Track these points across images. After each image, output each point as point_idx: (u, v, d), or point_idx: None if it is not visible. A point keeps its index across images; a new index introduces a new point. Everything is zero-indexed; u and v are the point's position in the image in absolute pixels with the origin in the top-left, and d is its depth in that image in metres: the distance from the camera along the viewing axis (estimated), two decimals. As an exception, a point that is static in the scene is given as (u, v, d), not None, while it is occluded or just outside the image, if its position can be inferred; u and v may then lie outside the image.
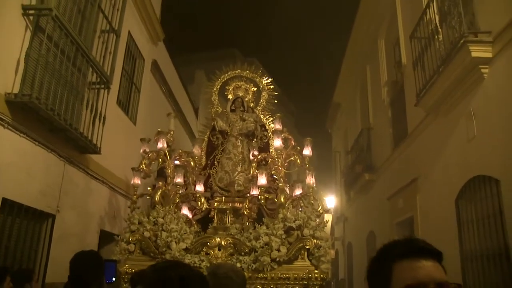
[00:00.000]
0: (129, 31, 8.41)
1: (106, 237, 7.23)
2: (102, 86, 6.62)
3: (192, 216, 6.59)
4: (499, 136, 5.15)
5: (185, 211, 6.43)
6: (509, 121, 4.96)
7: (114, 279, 4.70)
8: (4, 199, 4.57)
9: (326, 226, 6.39)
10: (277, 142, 6.44)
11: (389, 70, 10.57)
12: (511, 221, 4.81)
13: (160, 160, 6.52)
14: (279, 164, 6.41)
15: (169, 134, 6.83)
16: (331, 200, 19.08)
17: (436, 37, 6.57)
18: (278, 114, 6.98)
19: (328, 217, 20.09)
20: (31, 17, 4.96)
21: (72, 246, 5.70)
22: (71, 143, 5.91)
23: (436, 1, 6.54)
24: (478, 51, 5.32)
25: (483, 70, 5.44)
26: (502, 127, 5.11)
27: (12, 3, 4.70)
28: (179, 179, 6.26)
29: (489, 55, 5.30)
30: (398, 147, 9.32)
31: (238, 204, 6.48)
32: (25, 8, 4.88)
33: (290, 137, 6.78)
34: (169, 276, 1.33)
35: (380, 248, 1.31)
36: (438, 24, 6.45)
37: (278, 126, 6.76)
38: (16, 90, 4.69)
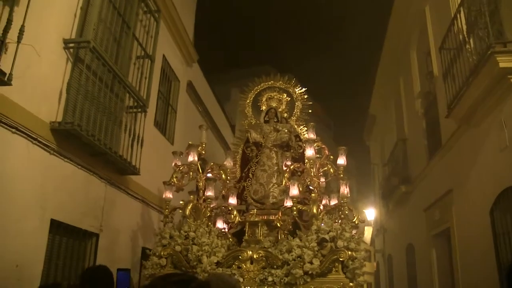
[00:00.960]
0: (163, 55, 8.76)
1: (148, 255, 7.48)
2: (139, 110, 6.94)
3: (228, 230, 6.59)
4: (530, 146, 5.13)
5: (219, 224, 6.43)
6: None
7: None
8: (52, 220, 4.89)
9: (361, 237, 6.27)
10: (309, 152, 6.28)
11: (422, 81, 10.57)
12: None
13: (191, 173, 6.49)
14: (312, 174, 6.28)
15: (200, 147, 6.77)
16: (370, 213, 18.98)
17: (465, 47, 6.60)
18: (312, 123, 6.78)
19: (368, 229, 20.04)
20: (71, 50, 5.31)
21: (115, 263, 5.96)
22: (111, 166, 6.21)
23: (463, 12, 6.57)
24: (506, 61, 5.33)
25: (512, 80, 5.44)
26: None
27: (54, 37, 5.05)
28: (210, 192, 6.30)
29: (518, 64, 5.30)
30: (432, 158, 9.28)
31: (272, 216, 6.40)
32: (65, 42, 5.24)
33: (323, 146, 6.67)
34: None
35: None
36: (465, 35, 6.47)
37: (311, 135, 6.56)
38: (59, 118, 5.02)
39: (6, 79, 3.80)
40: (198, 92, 11.10)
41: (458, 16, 6.75)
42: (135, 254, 7.24)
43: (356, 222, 5.97)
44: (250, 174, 7.15)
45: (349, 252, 5.33)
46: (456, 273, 7.84)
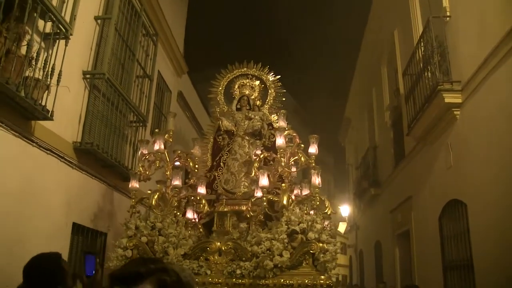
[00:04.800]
0: (158, 70, 9.70)
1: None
2: (140, 124, 7.90)
3: (199, 220, 6.38)
4: (467, 168, 6.29)
5: (189, 215, 6.22)
6: (475, 155, 6.08)
7: (94, 272, 4.60)
8: (73, 223, 5.88)
9: (333, 229, 6.08)
10: (279, 140, 5.90)
11: (391, 95, 11.68)
12: (475, 238, 5.94)
13: (158, 162, 6.25)
14: (282, 163, 6.04)
15: (167, 135, 6.52)
16: (345, 209, 20.24)
17: (423, 75, 7.71)
18: (283, 111, 6.39)
19: (343, 225, 21.28)
20: (88, 80, 6.26)
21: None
22: (118, 174, 7.17)
23: (420, 48, 7.67)
24: (450, 98, 6.47)
25: (455, 112, 6.59)
26: (470, 160, 6.24)
27: (76, 70, 5.99)
28: (177, 182, 5.96)
29: (459, 100, 6.44)
30: (398, 166, 10.45)
31: (242, 207, 6.14)
32: (84, 73, 6.19)
33: (294, 134, 6.36)
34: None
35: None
36: (421, 67, 7.58)
37: (282, 123, 6.13)
38: (79, 138, 5.99)
39: (49, 115, 4.76)
40: (187, 99, 12.06)
41: (419, 47, 7.85)
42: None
43: (328, 213, 5.80)
44: (221, 163, 6.93)
45: (320, 244, 5.15)
46: (413, 268, 9.05)
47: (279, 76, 7.48)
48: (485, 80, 5.69)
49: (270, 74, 7.47)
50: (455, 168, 6.75)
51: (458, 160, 6.66)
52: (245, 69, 7.53)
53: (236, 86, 7.48)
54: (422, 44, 7.43)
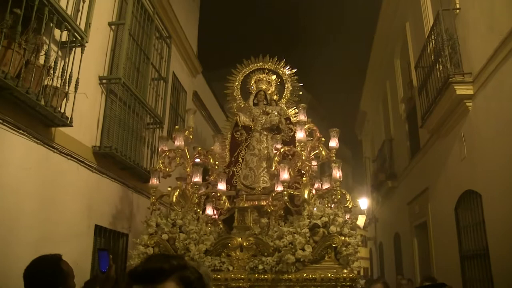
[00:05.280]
0: (173, 72, 9.86)
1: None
2: (157, 126, 8.08)
3: (218, 216, 6.42)
4: (481, 159, 6.32)
5: (209, 211, 6.26)
6: (488, 146, 6.11)
7: (108, 267, 4.86)
8: (96, 225, 6.08)
9: (354, 222, 6.03)
10: (300, 134, 5.93)
11: (405, 88, 11.69)
12: (490, 228, 5.99)
13: (178, 159, 6.24)
14: (303, 157, 6.06)
15: (187, 131, 6.55)
16: (364, 202, 20.27)
17: (435, 67, 7.73)
18: (303, 104, 6.39)
19: (362, 218, 21.33)
20: (104, 85, 6.44)
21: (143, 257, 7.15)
22: (136, 176, 7.35)
23: (432, 40, 7.69)
24: (462, 90, 6.50)
25: (467, 104, 6.61)
26: (483, 151, 6.27)
27: (92, 76, 6.17)
28: (197, 178, 6.00)
29: (471, 92, 6.47)
30: (413, 158, 10.47)
31: (262, 202, 6.16)
32: (100, 78, 6.37)
33: (315, 128, 6.42)
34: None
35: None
36: (433, 60, 7.61)
37: (302, 117, 6.15)
38: (98, 142, 6.17)
39: (69, 122, 4.94)
40: (202, 99, 12.23)
41: (430, 40, 7.87)
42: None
43: (350, 206, 5.79)
44: (239, 159, 6.92)
45: (342, 238, 5.12)
46: (431, 259, 9.09)
47: (296, 70, 7.41)
48: (495, 71, 5.72)
49: (286, 68, 7.41)
50: (468, 159, 6.78)
51: (471, 151, 6.69)
52: (261, 63, 7.50)
53: (253, 81, 7.47)
54: (433, 37, 7.45)
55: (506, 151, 5.50)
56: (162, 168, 6.24)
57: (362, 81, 17.95)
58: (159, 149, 6.53)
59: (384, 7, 12.60)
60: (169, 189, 6.11)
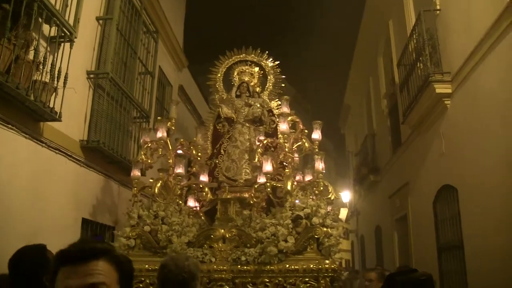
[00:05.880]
0: (159, 66, 9.93)
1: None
2: (143, 120, 8.17)
3: (200, 208, 6.39)
4: (458, 155, 6.56)
5: (191, 203, 6.24)
6: (464, 142, 6.35)
7: None
8: (83, 219, 6.18)
9: (337, 214, 6.01)
10: (283, 126, 6.00)
11: (387, 84, 11.92)
12: (465, 221, 6.24)
13: (160, 150, 6.25)
14: (286, 149, 6.03)
15: (169, 123, 6.55)
16: (346, 195, 20.58)
17: (416, 66, 7.95)
18: (286, 97, 6.40)
19: (344, 210, 21.65)
20: (92, 79, 6.52)
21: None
22: (123, 170, 7.42)
23: (413, 40, 7.89)
24: (441, 88, 6.72)
25: (446, 102, 6.84)
26: (460, 147, 6.51)
27: (80, 71, 6.23)
28: (179, 170, 5.98)
29: (449, 90, 6.69)
30: (395, 153, 10.72)
31: (245, 193, 6.16)
32: (88, 73, 6.44)
33: (298, 120, 6.44)
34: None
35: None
36: (414, 59, 7.82)
37: (285, 109, 6.21)
38: (85, 136, 6.26)
39: (58, 117, 5.03)
40: (187, 93, 12.32)
41: (412, 39, 8.07)
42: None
43: (332, 198, 5.80)
44: (222, 151, 6.91)
45: (325, 229, 5.17)
46: (410, 251, 9.37)
47: (278, 62, 7.40)
48: (472, 71, 5.95)
49: (269, 60, 7.38)
50: (447, 155, 7.01)
51: (449, 148, 6.93)
52: (243, 55, 7.46)
53: (235, 73, 7.45)
54: (414, 36, 7.65)
55: (480, 148, 5.74)
56: (144, 159, 6.19)
57: (347, 75, 18.18)
58: (141, 140, 6.53)
59: (369, 4, 12.80)
60: (151, 180, 6.11)
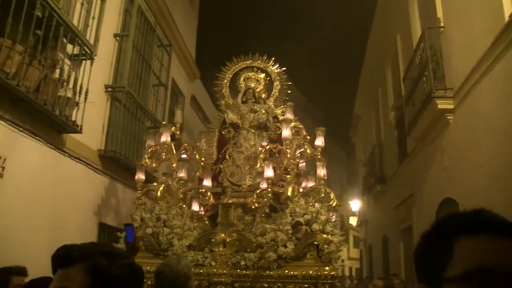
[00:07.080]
0: (172, 78, 10.30)
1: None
2: (157, 130, 8.48)
3: (204, 213, 6.49)
4: (459, 169, 6.80)
5: (195, 207, 6.32)
6: (465, 157, 6.59)
7: (133, 238, 5.26)
8: (100, 223, 6.54)
9: (337, 220, 5.99)
10: (286, 132, 6.01)
11: (395, 96, 12.16)
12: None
13: (164, 154, 6.35)
14: (288, 155, 6.04)
15: (173, 127, 6.65)
16: (356, 204, 20.79)
17: (420, 81, 8.21)
18: (290, 103, 6.47)
19: (354, 219, 21.80)
20: (109, 92, 6.89)
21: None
22: (137, 177, 7.81)
23: (418, 55, 8.16)
24: (443, 104, 6.98)
25: (448, 117, 7.09)
26: (461, 161, 6.75)
27: (99, 84, 6.60)
28: (182, 174, 6.07)
29: (451, 106, 6.94)
30: (401, 164, 10.94)
31: (248, 199, 6.14)
32: (106, 87, 6.82)
33: (301, 126, 6.44)
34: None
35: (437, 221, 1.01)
36: (419, 73, 8.08)
37: (289, 115, 6.26)
38: (102, 146, 6.62)
39: (79, 129, 5.40)
40: (199, 102, 12.70)
41: (416, 54, 8.33)
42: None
43: (333, 205, 5.85)
44: (227, 156, 6.95)
45: (325, 236, 5.16)
46: (415, 262, 9.55)
47: (284, 68, 7.44)
48: (473, 89, 6.20)
49: (275, 66, 7.42)
50: (448, 169, 7.25)
51: (451, 162, 7.17)
52: (249, 61, 7.53)
53: (242, 79, 7.50)
54: (419, 52, 7.92)
55: (480, 162, 5.98)
56: (148, 163, 6.29)
57: (357, 85, 18.41)
58: (146, 144, 6.61)
59: (377, 18, 13.08)
60: (155, 184, 6.30)
